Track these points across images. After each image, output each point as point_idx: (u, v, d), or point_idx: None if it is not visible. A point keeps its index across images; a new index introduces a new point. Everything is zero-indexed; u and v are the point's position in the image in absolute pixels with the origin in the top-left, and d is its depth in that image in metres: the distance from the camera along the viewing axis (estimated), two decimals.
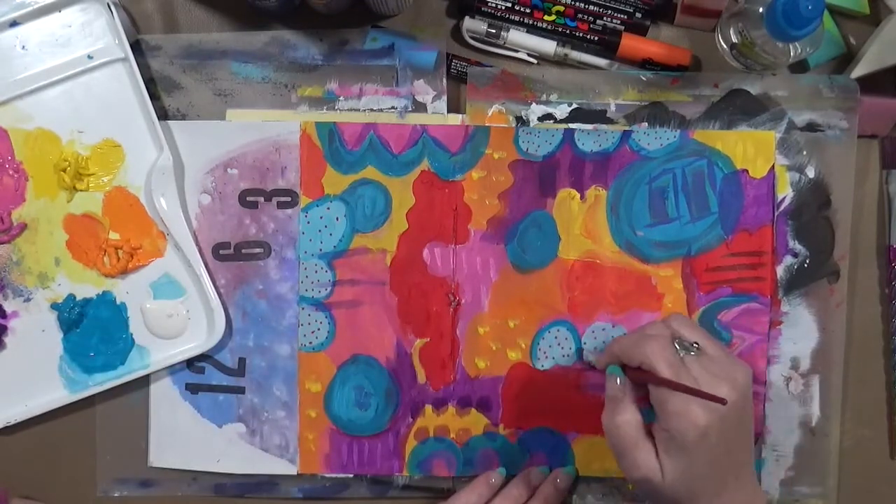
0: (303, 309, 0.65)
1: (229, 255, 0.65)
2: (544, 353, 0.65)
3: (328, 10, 0.64)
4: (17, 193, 0.65)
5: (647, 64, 0.66)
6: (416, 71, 0.66)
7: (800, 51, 0.62)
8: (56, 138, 0.65)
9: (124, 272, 0.65)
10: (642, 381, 0.53)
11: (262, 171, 0.65)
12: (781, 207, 0.65)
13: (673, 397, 0.51)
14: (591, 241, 0.65)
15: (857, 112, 0.64)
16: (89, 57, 0.64)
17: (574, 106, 0.65)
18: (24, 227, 0.65)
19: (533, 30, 0.66)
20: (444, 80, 0.65)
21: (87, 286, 0.65)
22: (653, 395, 0.52)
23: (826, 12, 0.64)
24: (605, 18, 0.66)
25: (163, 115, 0.65)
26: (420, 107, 0.66)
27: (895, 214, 0.66)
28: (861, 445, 0.66)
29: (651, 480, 0.52)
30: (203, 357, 0.65)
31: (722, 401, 0.50)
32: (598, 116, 0.65)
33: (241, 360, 0.65)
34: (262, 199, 0.65)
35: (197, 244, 0.64)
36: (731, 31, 0.63)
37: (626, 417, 0.53)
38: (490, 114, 0.65)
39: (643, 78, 0.65)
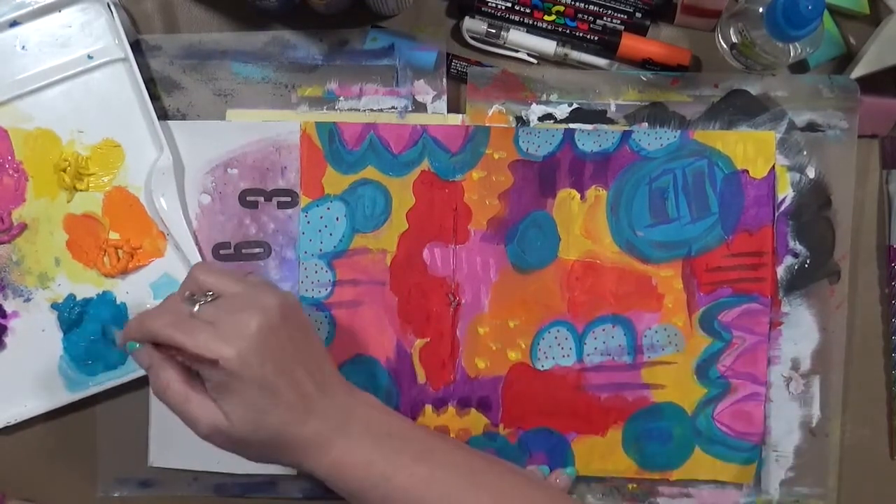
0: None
1: (229, 255, 0.65)
2: (544, 353, 0.65)
3: (328, 10, 0.64)
4: (17, 193, 0.65)
5: (647, 64, 0.66)
6: (416, 71, 0.66)
7: (800, 51, 0.62)
8: (56, 138, 0.65)
9: (124, 272, 0.65)
10: (168, 353, 0.51)
11: (262, 171, 0.65)
12: (782, 208, 0.65)
13: (192, 342, 0.48)
14: (591, 241, 0.65)
15: (858, 112, 0.64)
16: (89, 57, 0.64)
17: (574, 106, 0.65)
18: (24, 227, 0.65)
19: (533, 30, 0.66)
20: (444, 80, 0.65)
21: (87, 286, 0.65)
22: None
23: (826, 12, 0.64)
24: (605, 18, 0.66)
25: (163, 115, 0.65)
26: (420, 107, 0.66)
27: (895, 214, 0.66)
28: (861, 445, 0.66)
29: (219, 429, 0.50)
30: None
31: (213, 362, 0.48)
32: (599, 116, 0.65)
33: None
34: (262, 199, 0.65)
35: (197, 244, 0.64)
36: (731, 31, 0.63)
37: (165, 375, 0.51)
38: (490, 114, 0.65)
39: (643, 78, 0.65)
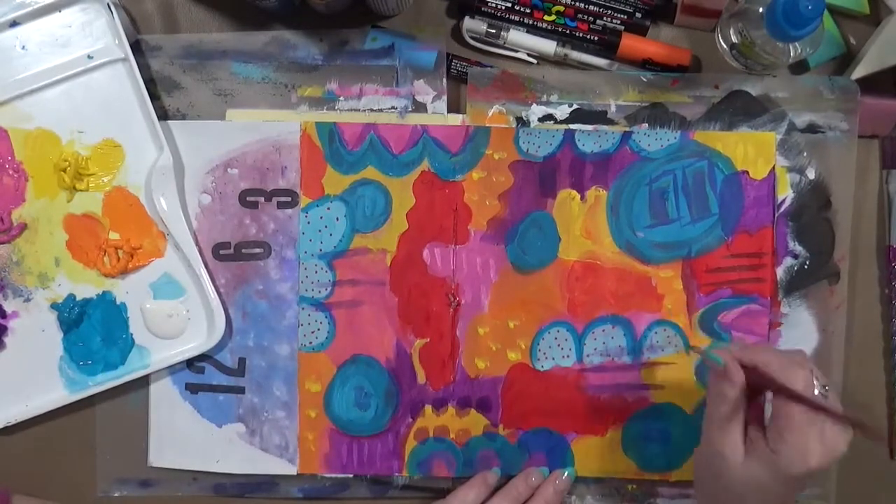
0: (303, 309, 0.65)
1: (229, 255, 0.65)
2: (544, 353, 0.65)
3: (328, 10, 0.64)
4: (17, 193, 0.65)
5: (647, 64, 0.66)
6: (416, 71, 0.65)
7: (800, 51, 0.62)
8: (56, 138, 0.65)
9: (124, 272, 0.65)
10: (763, 387, 0.52)
11: (262, 171, 0.65)
12: (782, 209, 0.65)
13: (794, 430, 0.50)
14: (591, 241, 0.65)
15: (858, 113, 0.64)
16: (89, 57, 0.64)
17: (574, 107, 0.65)
18: (24, 227, 0.65)
19: (533, 30, 0.66)
20: (444, 80, 0.65)
21: (87, 286, 0.65)
22: (776, 413, 0.51)
23: (826, 12, 0.64)
24: (605, 18, 0.66)
25: (163, 115, 0.65)
26: (420, 107, 0.66)
27: (895, 214, 0.66)
28: (861, 445, 0.66)
29: (722, 464, 0.52)
30: (203, 357, 0.65)
31: (881, 437, 0.50)
32: (599, 117, 0.65)
33: (241, 360, 0.65)
34: (262, 199, 0.65)
35: (197, 244, 0.64)
36: (731, 31, 0.63)
37: (732, 391, 0.52)
38: (490, 114, 0.65)
39: (643, 79, 0.65)
